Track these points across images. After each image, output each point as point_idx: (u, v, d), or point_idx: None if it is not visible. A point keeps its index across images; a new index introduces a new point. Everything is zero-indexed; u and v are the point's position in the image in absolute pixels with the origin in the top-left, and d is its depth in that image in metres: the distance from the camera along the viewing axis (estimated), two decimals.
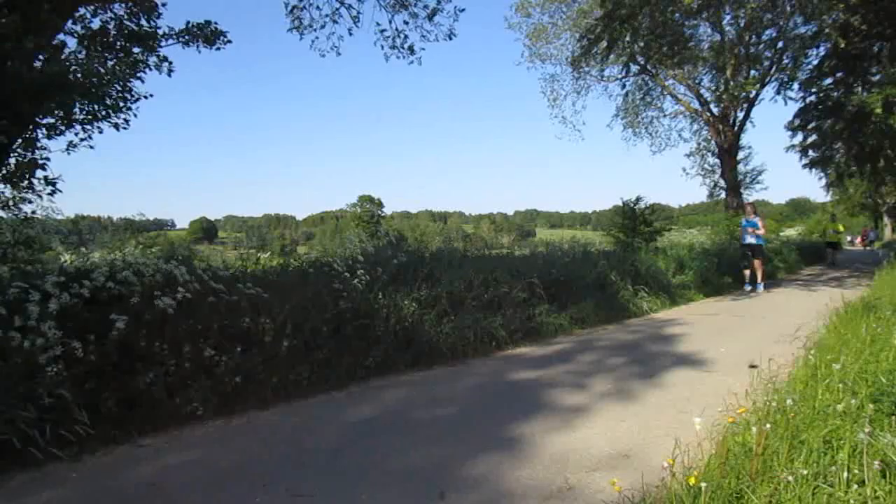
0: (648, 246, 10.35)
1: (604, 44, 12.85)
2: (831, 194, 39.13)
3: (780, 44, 15.05)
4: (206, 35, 8.04)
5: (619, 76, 17.80)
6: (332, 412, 3.40)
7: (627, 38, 12.46)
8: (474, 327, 5.03)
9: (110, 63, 7.28)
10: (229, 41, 8.30)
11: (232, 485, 2.36)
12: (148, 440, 2.89)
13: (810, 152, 18.50)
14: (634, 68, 16.68)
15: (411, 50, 8.96)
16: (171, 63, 8.06)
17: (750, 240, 10.25)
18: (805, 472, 1.73)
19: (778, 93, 15.26)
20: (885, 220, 41.16)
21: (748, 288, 10.10)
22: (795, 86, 14.94)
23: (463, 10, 8.76)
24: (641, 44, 12.96)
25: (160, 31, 7.78)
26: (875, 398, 2.38)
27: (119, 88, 7.23)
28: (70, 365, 2.82)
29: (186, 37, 7.98)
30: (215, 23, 8.10)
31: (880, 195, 37.51)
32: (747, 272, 10.31)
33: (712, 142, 18.85)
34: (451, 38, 9.02)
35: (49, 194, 6.47)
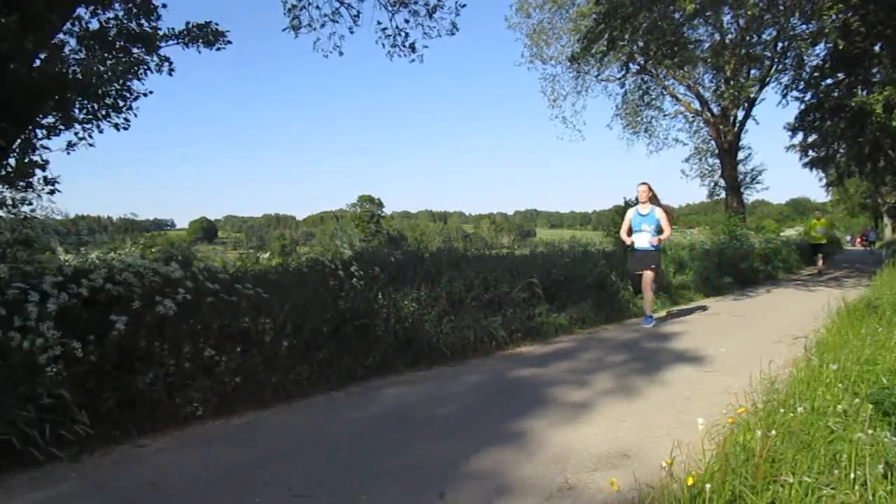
0: None
1: (603, 43, 12.84)
2: (831, 194, 39.19)
3: (781, 44, 15.05)
4: (206, 36, 8.03)
5: (619, 76, 17.81)
6: (332, 412, 3.40)
7: (627, 38, 12.45)
8: (474, 327, 5.03)
9: (110, 62, 7.28)
10: (229, 42, 8.30)
11: (232, 485, 2.36)
12: (148, 440, 2.89)
13: (810, 152, 18.52)
14: (634, 67, 16.68)
15: (412, 48, 8.96)
16: (171, 63, 8.06)
17: (643, 244, 6.36)
18: (806, 473, 1.72)
19: (784, 96, 15.29)
20: (886, 220, 41.18)
21: (648, 325, 6.29)
22: (801, 85, 14.96)
23: (464, 5, 8.75)
24: (641, 43, 12.94)
25: (160, 32, 7.78)
26: (876, 398, 2.37)
27: (118, 88, 7.23)
28: (70, 365, 2.82)
29: (186, 38, 7.98)
30: (215, 23, 8.10)
31: (880, 195, 37.55)
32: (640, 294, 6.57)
33: (712, 142, 18.86)
34: (453, 34, 9.01)
35: (48, 194, 6.48)
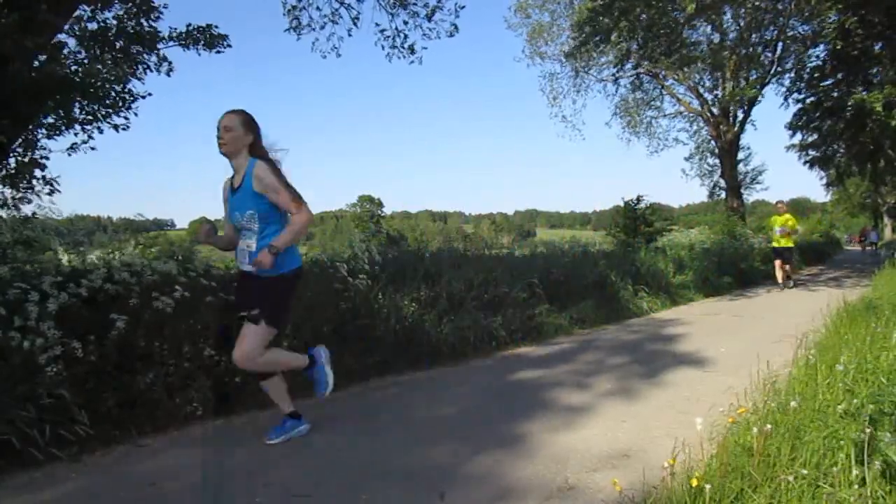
0: (648, 246, 10.35)
1: (599, 37, 12.81)
2: (831, 194, 39.18)
3: (780, 44, 15.07)
4: (206, 38, 8.04)
5: (615, 75, 17.80)
6: (332, 412, 3.39)
7: (624, 32, 12.40)
8: (474, 327, 5.03)
9: (110, 63, 7.28)
10: (229, 45, 8.31)
11: (232, 485, 2.36)
12: (148, 440, 2.89)
13: (810, 151, 18.52)
14: (630, 65, 16.67)
15: (412, 49, 8.97)
16: (170, 63, 8.07)
17: (245, 263, 2.70)
18: (806, 472, 1.72)
19: (786, 99, 15.31)
20: (886, 220, 41.15)
21: (272, 440, 2.82)
22: (801, 87, 14.98)
23: (463, 6, 8.75)
24: (639, 41, 12.92)
25: (160, 34, 7.78)
26: (875, 398, 2.37)
27: (119, 89, 7.23)
28: (70, 365, 2.81)
29: (187, 39, 7.99)
30: (216, 26, 8.11)
31: (880, 195, 37.53)
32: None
33: (712, 142, 18.87)
34: (452, 35, 9.01)
35: (48, 194, 6.50)
